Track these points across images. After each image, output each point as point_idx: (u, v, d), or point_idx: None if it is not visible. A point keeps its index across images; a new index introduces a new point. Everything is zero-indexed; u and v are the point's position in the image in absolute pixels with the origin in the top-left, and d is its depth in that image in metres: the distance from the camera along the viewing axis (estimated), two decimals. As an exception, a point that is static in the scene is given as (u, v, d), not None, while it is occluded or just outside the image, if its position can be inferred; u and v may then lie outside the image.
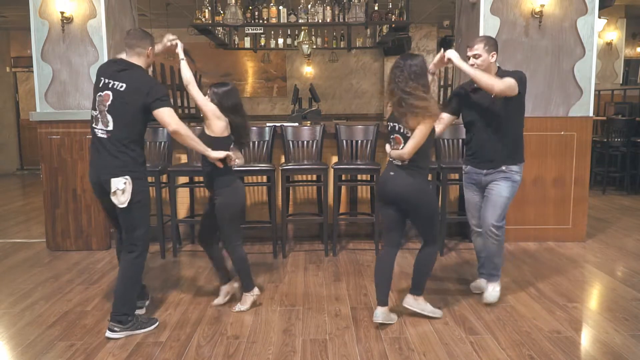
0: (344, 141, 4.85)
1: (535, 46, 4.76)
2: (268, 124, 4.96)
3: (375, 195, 3.34)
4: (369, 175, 4.89)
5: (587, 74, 4.78)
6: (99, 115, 2.99)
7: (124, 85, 2.96)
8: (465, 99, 3.47)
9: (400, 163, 3.04)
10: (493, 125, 3.36)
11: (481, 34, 4.71)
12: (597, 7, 4.74)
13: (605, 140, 7.42)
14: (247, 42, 8.24)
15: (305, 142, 4.84)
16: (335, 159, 5.01)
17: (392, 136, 3.09)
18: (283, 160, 4.94)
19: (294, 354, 2.83)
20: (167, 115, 2.98)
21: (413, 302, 3.25)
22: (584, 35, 4.75)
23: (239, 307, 3.40)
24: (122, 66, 3.03)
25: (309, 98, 7.19)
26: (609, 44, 9.83)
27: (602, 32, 9.53)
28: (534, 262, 4.37)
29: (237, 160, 3.29)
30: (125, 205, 2.96)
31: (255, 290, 3.45)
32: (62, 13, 4.62)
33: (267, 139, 4.81)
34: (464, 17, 5.17)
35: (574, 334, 3.07)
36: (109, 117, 2.96)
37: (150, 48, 3.13)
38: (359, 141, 4.84)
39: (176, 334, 3.08)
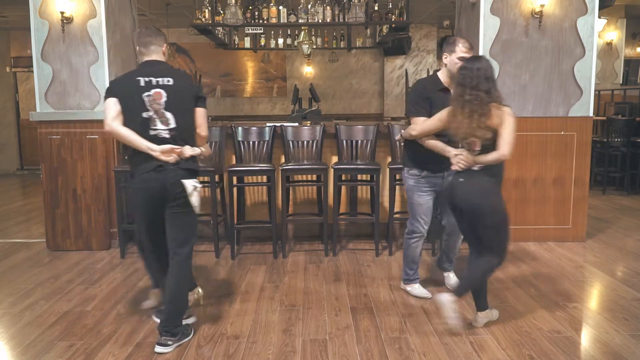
0: (344, 141, 4.85)
1: (535, 46, 4.76)
2: (268, 124, 4.96)
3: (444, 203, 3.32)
4: (369, 175, 4.89)
5: (587, 74, 4.78)
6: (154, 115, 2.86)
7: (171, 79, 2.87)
8: (435, 100, 3.32)
9: (476, 168, 2.92)
10: None
11: (481, 34, 4.72)
12: (597, 7, 4.74)
13: (605, 140, 7.42)
14: (247, 42, 8.24)
15: (305, 142, 4.84)
16: (335, 159, 5.01)
17: (466, 141, 2.94)
18: (283, 160, 4.94)
19: (294, 354, 2.83)
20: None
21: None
22: (584, 35, 4.75)
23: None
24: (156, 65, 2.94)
25: (309, 98, 7.19)
26: (609, 44, 9.82)
27: (602, 32, 9.52)
28: (534, 262, 4.37)
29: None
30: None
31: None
32: (62, 13, 4.62)
33: (267, 139, 4.81)
34: (464, 17, 5.17)
35: (574, 334, 3.07)
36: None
37: (165, 45, 3.00)
38: (359, 141, 4.84)
39: (176, 334, 3.08)
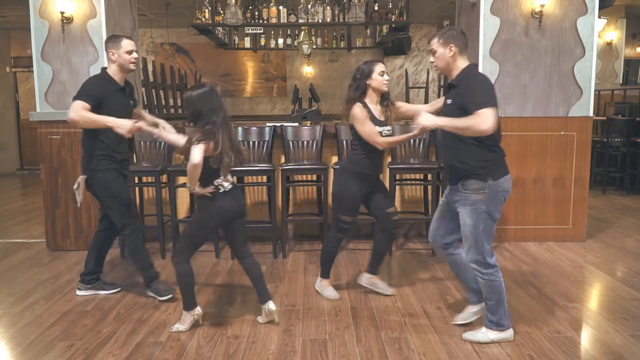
0: (344, 141, 4.84)
1: (535, 46, 4.76)
2: (268, 124, 4.96)
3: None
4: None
5: (587, 74, 4.78)
6: None
7: None
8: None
9: None
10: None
11: (481, 34, 4.72)
12: (597, 7, 4.74)
13: (605, 140, 7.42)
14: (247, 42, 8.25)
15: (305, 142, 4.84)
16: (335, 159, 5.00)
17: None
18: (283, 160, 4.94)
19: (294, 354, 2.83)
20: None
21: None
22: (584, 35, 4.75)
23: (176, 326, 3.12)
24: None
25: (309, 98, 7.20)
26: (609, 44, 9.83)
27: (602, 32, 9.53)
28: (534, 262, 4.37)
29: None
30: None
31: (197, 310, 3.14)
32: (62, 13, 4.62)
33: (267, 139, 4.81)
34: (464, 17, 5.17)
35: (574, 334, 3.07)
36: None
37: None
38: (359, 141, 4.82)
39: (176, 334, 3.08)
